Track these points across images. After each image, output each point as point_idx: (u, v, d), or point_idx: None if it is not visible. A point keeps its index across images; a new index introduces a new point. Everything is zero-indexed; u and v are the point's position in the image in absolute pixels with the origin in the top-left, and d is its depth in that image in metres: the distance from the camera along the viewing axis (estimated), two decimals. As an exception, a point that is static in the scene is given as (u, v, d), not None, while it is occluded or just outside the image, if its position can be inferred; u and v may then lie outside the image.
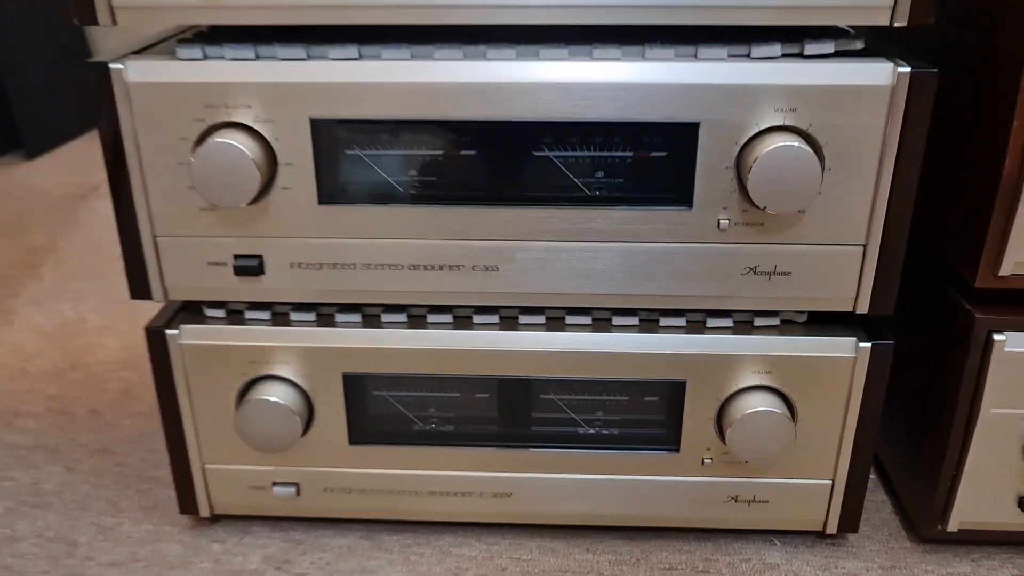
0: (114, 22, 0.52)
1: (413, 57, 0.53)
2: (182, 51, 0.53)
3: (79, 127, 1.71)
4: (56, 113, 1.65)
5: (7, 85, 1.53)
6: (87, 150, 1.63)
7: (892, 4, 0.50)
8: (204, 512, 0.66)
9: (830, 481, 0.62)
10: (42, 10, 1.66)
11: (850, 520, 0.63)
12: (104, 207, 1.33)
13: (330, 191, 0.55)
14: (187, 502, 0.65)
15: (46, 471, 0.74)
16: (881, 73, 0.51)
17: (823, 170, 0.52)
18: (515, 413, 0.61)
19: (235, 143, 0.52)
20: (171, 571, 0.63)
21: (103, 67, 0.53)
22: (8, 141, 1.58)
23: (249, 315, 0.61)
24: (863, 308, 0.57)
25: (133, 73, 0.53)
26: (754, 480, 0.62)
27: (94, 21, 0.52)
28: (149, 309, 0.86)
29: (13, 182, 1.45)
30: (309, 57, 0.53)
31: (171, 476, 0.69)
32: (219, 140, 0.52)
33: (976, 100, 0.56)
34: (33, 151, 1.56)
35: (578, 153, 0.54)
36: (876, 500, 0.70)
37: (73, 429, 0.79)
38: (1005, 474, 0.60)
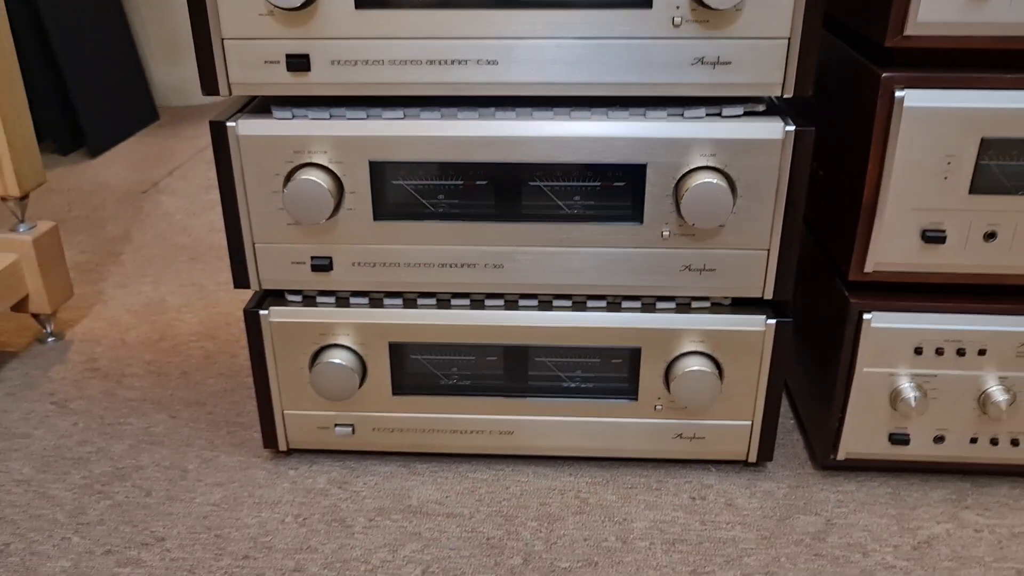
0: (230, 93, 0.73)
1: (443, 117, 0.74)
2: (277, 112, 0.74)
3: (133, 126, 1.91)
4: (114, 114, 1.86)
5: (71, 88, 1.73)
6: (143, 148, 1.84)
7: (782, 81, 0.71)
8: (282, 447, 0.87)
9: (750, 422, 0.83)
10: (98, 16, 1.86)
11: (766, 451, 0.84)
12: (166, 201, 1.54)
13: (382, 211, 0.76)
14: (269, 438, 0.87)
15: (155, 418, 0.95)
16: (775, 129, 0.72)
17: (735, 197, 0.73)
18: (516, 371, 0.83)
19: (315, 178, 0.73)
20: (259, 489, 0.85)
21: (221, 125, 0.74)
22: (73, 141, 1.78)
23: (320, 300, 0.82)
24: (768, 295, 0.78)
25: (243, 128, 0.74)
26: (693, 422, 0.83)
27: (217, 93, 0.73)
28: (215, 291, 1.10)
29: (83, 179, 1.66)
30: (368, 117, 0.74)
31: (251, 422, 0.91)
32: (304, 177, 0.73)
33: (846, 147, 0.76)
34: (95, 150, 1.77)
35: (561, 184, 0.75)
36: (792, 438, 0.91)
37: (170, 386, 1.01)
38: (878, 416, 0.81)
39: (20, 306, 1.05)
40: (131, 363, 1.05)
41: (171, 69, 2.06)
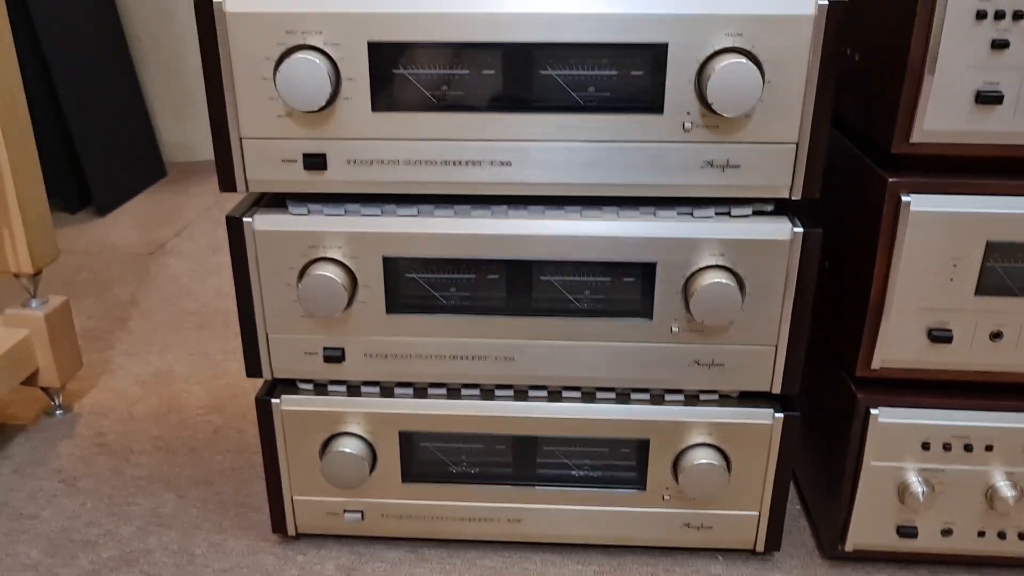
0: (247, 190, 0.74)
1: (456, 215, 0.75)
2: (293, 208, 0.75)
3: (141, 183, 1.93)
4: (121, 171, 1.88)
5: (78, 146, 1.75)
6: (150, 206, 1.85)
7: (790, 184, 0.72)
8: (291, 531, 0.87)
9: (757, 512, 0.83)
10: (107, 73, 1.89)
11: (773, 541, 0.85)
12: (172, 264, 1.55)
13: (394, 304, 0.77)
14: (278, 523, 0.87)
15: (163, 498, 0.95)
16: (783, 230, 0.73)
17: (744, 295, 0.74)
18: (525, 460, 0.83)
19: (329, 274, 0.74)
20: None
21: (238, 221, 0.75)
22: (81, 199, 1.80)
23: (331, 388, 0.82)
24: (777, 389, 0.79)
25: (259, 224, 0.75)
26: (701, 511, 0.84)
27: (234, 190, 0.74)
28: (223, 361, 1.10)
29: (91, 239, 1.67)
30: (383, 213, 0.75)
31: (259, 503, 0.92)
32: (318, 272, 0.74)
33: (853, 245, 0.77)
34: (103, 208, 1.79)
35: (572, 279, 0.76)
36: (799, 525, 0.91)
37: (178, 463, 1.01)
38: (885, 509, 0.81)
39: (30, 380, 1.06)
40: (139, 438, 1.06)
41: (179, 125, 2.08)
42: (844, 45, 0.82)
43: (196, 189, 1.94)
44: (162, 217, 1.77)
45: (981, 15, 0.65)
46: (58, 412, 1.10)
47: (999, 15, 0.65)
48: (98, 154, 1.80)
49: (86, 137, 1.77)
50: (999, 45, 0.66)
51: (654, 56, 0.68)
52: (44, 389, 1.09)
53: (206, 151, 2.10)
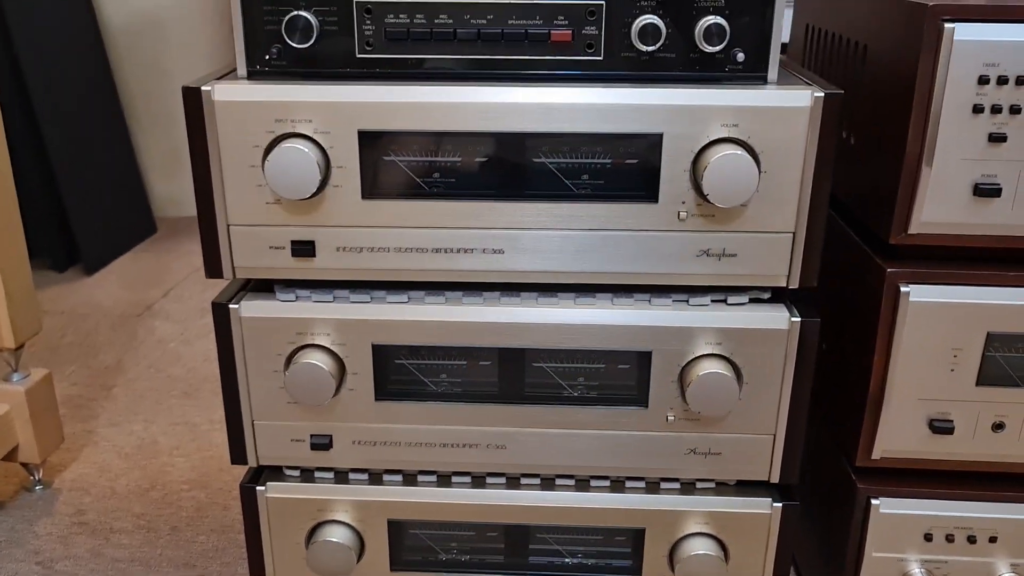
0: (234, 276, 0.73)
1: (447, 301, 0.73)
2: (280, 294, 0.74)
3: (130, 240, 1.92)
4: (111, 228, 1.86)
5: (67, 203, 1.74)
6: (139, 264, 1.84)
7: (787, 273, 0.71)
8: (275, 621, 0.85)
9: (756, 604, 0.81)
10: (98, 129, 1.88)
11: (773, 634, 0.82)
12: (159, 327, 1.53)
13: (384, 391, 0.75)
14: (262, 614, 0.84)
15: (142, 582, 0.93)
16: (780, 319, 0.72)
17: (741, 384, 0.72)
18: (517, 548, 0.80)
19: (317, 362, 0.72)
20: (250, 668, 0.82)
21: (224, 307, 0.73)
22: (68, 257, 1.78)
23: (318, 475, 0.80)
24: (775, 478, 0.77)
25: (246, 310, 0.73)
26: (699, 602, 0.81)
27: (220, 276, 0.72)
28: (208, 432, 1.08)
29: (78, 299, 1.65)
30: (372, 300, 0.73)
31: (244, 588, 0.88)
32: (306, 360, 0.72)
33: (851, 333, 0.76)
34: (91, 267, 1.77)
35: (564, 365, 0.74)
36: (799, 614, 0.89)
37: (160, 544, 0.98)
38: (888, 601, 0.79)
39: (9, 456, 1.03)
40: (120, 516, 1.03)
41: (170, 180, 2.08)
42: (841, 129, 0.81)
43: (186, 247, 1.92)
44: (150, 276, 1.75)
45: (978, 109, 0.65)
46: (37, 488, 1.07)
47: (996, 109, 0.64)
48: (87, 211, 1.79)
49: (75, 194, 1.76)
50: (996, 139, 0.65)
51: (649, 146, 0.68)
52: (24, 464, 1.06)
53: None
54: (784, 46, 0.87)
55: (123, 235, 1.90)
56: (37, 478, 1.07)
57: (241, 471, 0.80)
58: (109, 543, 0.98)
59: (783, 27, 0.67)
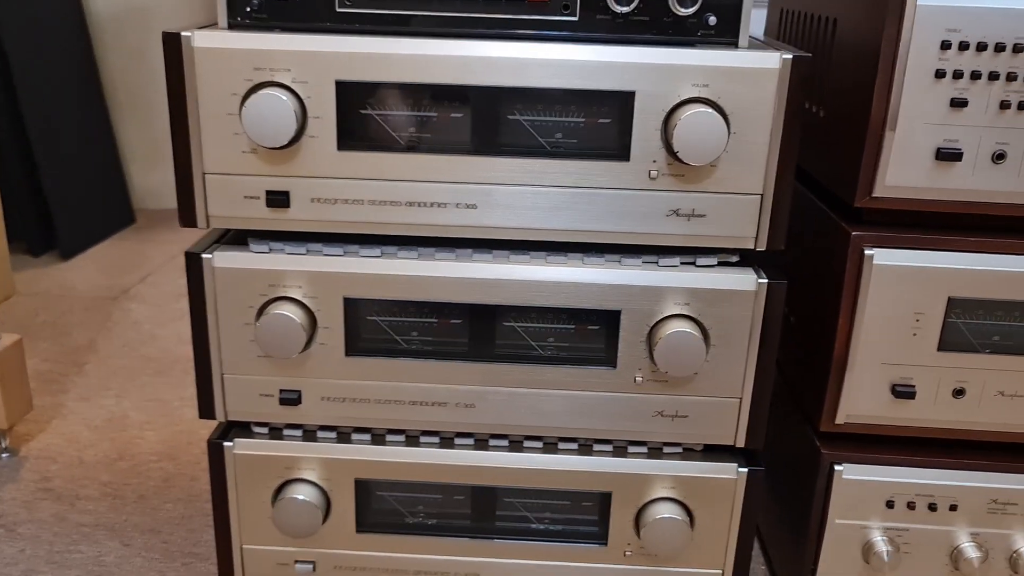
0: (208, 226, 0.73)
1: (420, 257, 0.74)
2: (254, 245, 0.74)
3: (108, 228, 1.91)
4: (89, 216, 1.85)
5: (46, 188, 1.73)
6: (116, 251, 1.83)
7: (755, 235, 0.72)
8: (238, 583, 0.84)
9: (720, 571, 0.81)
10: (80, 117, 1.88)
11: (737, 602, 0.83)
12: (135, 309, 1.53)
13: (354, 347, 0.75)
14: (226, 574, 0.84)
15: (106, 546, 0.92)
16: (748, 281, 0.73)
17: (708, 346, 0.73)
18: (484, 512, 0.81)
19: (288, 313, 0.73)
20: (212, 629, 0.81)
21: (197, 257, 0.73)
22: (45, 242, 1.77)
23: (286, 433, 0.80)
24: (741, 443, 0.78)
25: (219, 260, 0.73)
26: (663, 569, 0.81)
27: (195, 225, 0.73)
28: (179, 408, 1.07)
29: (53, 282, 1.64)
30: (345, 254, 0.74)
31: (208, 552, 0.88)
32: (277, 311, 0.73)
33: (817, 298, 0.77)
34: (68, 252, 1.76)
35: (535, 326, 0.75)
36: (763, 587, 0.90)
37: (126, 511, 0.97)
38: (850, 570, 0.80)
39: (-25, 421, 1.02)
40: (86, 484, 1.02)
41: (150, 172, 2.07)
42: (808, 102, 0.83)
43: (165, 236, 1.92)
44: (127, 263, 1.75)
45: (940, 74, 0.66)
46: (3, 455, 1.06)
47: (957, 75, 0.66)
48: (66, 197, 1.78)
49: (55, 179, 1.76)
50: (958, 104, 0.67)
51: (621, 104, 0.69)
52: (-10, 431, 1.05)
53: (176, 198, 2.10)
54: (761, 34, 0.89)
55: (101, 223, 1.90)
56: (3, 445, 1.06)
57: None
58: (74, 508, 0.97)
59: (753, -9, 0.69)
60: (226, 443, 0.79)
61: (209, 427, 0.81)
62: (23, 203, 1.72)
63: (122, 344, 1.39)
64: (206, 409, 0.78)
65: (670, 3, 0.69)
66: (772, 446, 0.89)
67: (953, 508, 0.77)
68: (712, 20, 0.69)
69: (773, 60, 0.67)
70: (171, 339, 1.41)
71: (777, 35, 0.99)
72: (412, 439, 0.80)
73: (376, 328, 0.75)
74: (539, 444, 0.80)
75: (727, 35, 0.70)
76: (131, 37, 1.97)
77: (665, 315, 0.73)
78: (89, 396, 1.22)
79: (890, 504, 0.77)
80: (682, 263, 0.74)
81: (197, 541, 0.93)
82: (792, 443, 0.84)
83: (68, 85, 1.85)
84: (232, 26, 0.71)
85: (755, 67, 0.68)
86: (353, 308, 0.74)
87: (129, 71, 2.00)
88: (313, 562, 0.83)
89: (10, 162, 1.69)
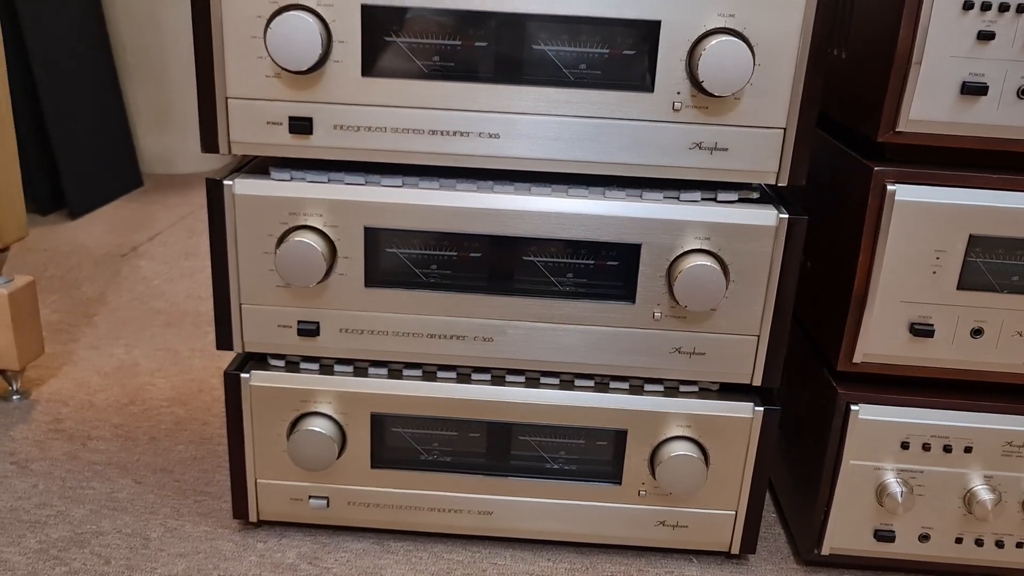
0: (230, 152, 0.73)
1: (441, 187, 0.74)
2: (275, 173, 0.74)
3: (116, 190, 1.91)
4: (97, 177, 1.85)
5: (55, 147, 1.73)
6: (124, 212, 1.83)
7: (777, 170, 0.72)
8: (252, 517, 0.84)
9: (734, 512, 0.82)
10: (90, 79, 1.87)
11: (749, 543, 0.83)
12: (144, 266, 1.52)
13: (373, 278, 0.75)
14: (240, 508, 0.84)
15: (119, 483, 0.92)
16: (769, 216, 0.73)
17: (728, 282, 0.73)
18: (498, 449, 0.81)
19: (309, 241, 0.73)
20: (225, 562, 0.81)
21: (218, 184, 0.73)
22: (53, 201, 1.77)
23: (303, 366, 0.80)
24: (757, 381, 0.78)
25: (239, 188, 0.73)
26: (677, 509, 0.82)
27: (216, 151, 0.73)
28: (189, 358, 1.08)
29: (61, 239, 1.64)
30: (366, 183, 0.74)
31: (221, 491, 0.88)
32: (297, 239, 0.72)
33: (836, 239, 0.77)
34: (76, 211, 1.76)
35: (555, 260, 0.75)
36: (774, 532, 0.89)
37: (137, 451, 0.98)
38: (863, 512, 0.80)
39: (-12, 361, 1.02)
40: (98, 425, 1.02)
41: (159, 137, 2.07)
42: (831, 45, 0.83)
43: (173, 200, 1.91)
44: (136, 223, 1.75)
45: (968, 6, 0.66)
46: (15, 397, 1.06)
47: (985, 7, 0.66)
48: (75, 157, 1.78)
49: (64, 139, 1.75)
50: (984, 36, 0.67)
51: (647, 33, 0.69)
52: (2, 372, 1.05)
53: (185, 164, 2.09)
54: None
55: (109, 185, 1.89)
56: (15, 387, 1.06)
57: (222, 393, 0.79)
58: (86, 448, 0.97)
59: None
60: (243, 375, 0.79)
61: (221, 379, 0.81)
62: (32, 163, 1.72)
63: (132, 298, 1.39)
64: (224, 340, 0.78)
65: (697, -66, 0.68)
66: (786, 394, 0.89)
67: (968, 450, 0.77)
68: (739, -49, 0.69)
69: (800, -9, 0.67)
70: (180, 294, 1.40)
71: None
72: (429, 374, 0.80)
73: (396, 260, 0.75)
74: (555, 381, 0.80)
75: (753, -33, 0.70)
76: (141, 1, 1.97)
77: (685, 249, 0.73)
78: (99, 345, 1.22)
79: (905, 445, 0.77)
80: (703, 198, 0.74)
81: (209, 481, 0.93)
82: (809, 389, 0.84)
83: (78, 48, 1.84)
84: (257, -50, 0.70)
85: (782, -3, 0.67)
86: (373, 238, 0.74)
87: (139, 35, 1.99)
88: (327, 497, 0.83)
89: (20, 122, 1.68)
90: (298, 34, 0.68)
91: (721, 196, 0.74)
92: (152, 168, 2.08)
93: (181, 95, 2.02)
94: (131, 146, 2.00)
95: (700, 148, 0.71)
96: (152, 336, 1.25)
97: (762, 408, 0.78)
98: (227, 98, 0.71)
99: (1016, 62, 0.67)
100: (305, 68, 0.68)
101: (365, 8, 0.69)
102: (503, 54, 0.70)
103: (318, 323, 0.77)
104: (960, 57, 0.67)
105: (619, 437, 0.80)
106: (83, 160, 1.81)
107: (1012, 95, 0.68)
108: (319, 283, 0.74)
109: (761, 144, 0.71)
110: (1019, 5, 0.66)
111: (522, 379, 0.80)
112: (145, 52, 2.00)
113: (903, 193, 0.71)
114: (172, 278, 1.47)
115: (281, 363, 0.80)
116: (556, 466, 0.82)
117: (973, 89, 0.68)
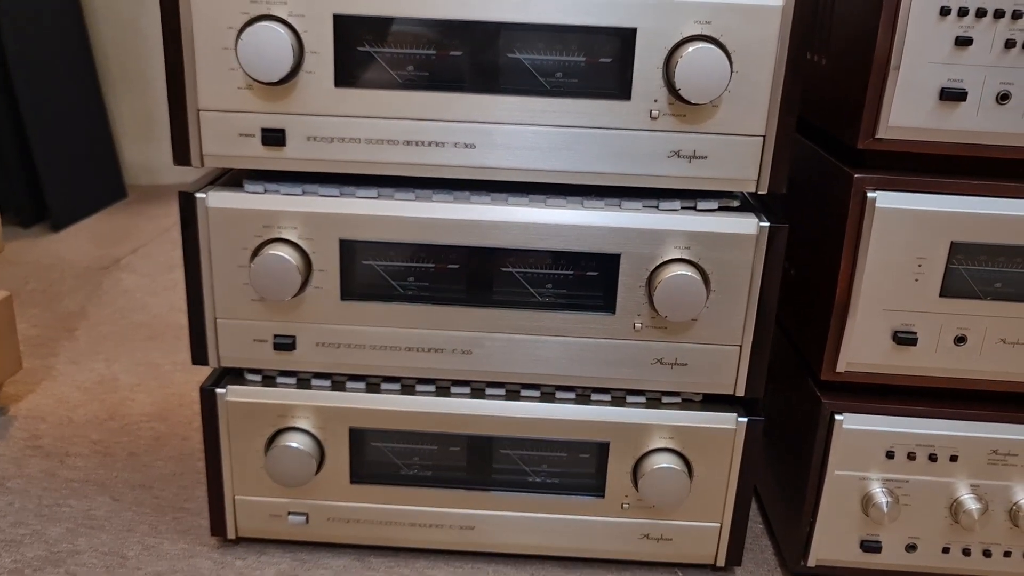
0: (202, 164, 0.72)
1: (417, 198, 0.73)
2: (249, 185, 0.73)
3: (99, 202, 1.89)
4: (80, 188, 1.84)
5: (37, 159, 1.71)
6: (107, 224, 1.81)
7: (756, 178, 0.71)
8: (231, 534, 0.83)
9: (719, 524, 0.81)
10: (72, 89, 1.86)
11: (735, 555, 0.82)
12: (126, 278, 1.51)
13: (350, 291, 0.74)
14: (218, 525, 0.82)
15: (96, 501, 0.90)
16: (749, 224, 0.72)
17: (709, 291, 0.72)
18: (480, 463, 0.80)
19: (283, 254, 0.71)
20: (203, 581, 0.80)
21: (191, 197, 0.72)
22: (35, 214, 1.75)
23: (280, 380, 0.79)
24: (740, 392, 0.77)
25: (213, 200, 0.72)
26: (661, 521, 0.81)
27: (188, 164, 0.71)
28: (171, 372, 1.06)
29: (43, 252, 1.62)
30: (341, 195, 0.73)
31: (199, 508, 0.87)
32: (272, 252, 0.71)
33: (818, 246, 0.77)
34: (58, 224, 1.74)
35: (534, 270, 0.74)
36: (761, 543, 0.88)
37: (116, 468, 0.96)
38: (849, 522, 0.79)
39: (-37, 377, 1.01)
40: (76, 442, 1.00)
41: (143, 147, 2.05)
42: (810, 52, 0.82)
43: (157, 211, 1.90)
44: (119, 235, 1.73)
45: (945, 11, 0.66)
46: (-8, 414, 1.05)
47: (962, 12, 0.65)
48: (57, 169, 1.76)
49: (46, 150, 1.74)
50: (962, 42, 0.66)
51: (623, 41, 0.68)
52: (-22, 389, 1.04)
53: (170, 174, 2.08)
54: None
55: (92, 197, 1.88)
56: (-8, 404, 1.04)
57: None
58: (64, 465, 0.96)
59: (758, -73, 0.68)
60: (219, 390, 0.78)
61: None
62: (14, 175, 1.70)
63: (113, 311, 1.37)
64: (199, 355, 0.77)
65: (673, -60, 0.68)
66: (770, 405, 0.89)
67: (953, 459, 0.76)
68: (715, -42, 0.69)
69: (777, -3, 0.67)
70: (163, 307, 1.39)
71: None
72: (407, 388, 0.79)
73: (372, 272, 0.74)
74: (536, 393, 0.79)
75: (730, -26, 0.69)
76: (124, 10, 1.95)
77: (665, 259, 0.72)
78: (79, 360, 1.21)
79: (890, 455, 0.76)
80: (683, 207, 0.73)
81: (188, 497, 0.91)
82: (793, 398, 0.83)
83: (60, 57, 1.83)
84: (228, -40, 0.70)
85: (759, 4, 0.67)
86: (349, 250, 0.73)
87: (122, 45, 1.98)
88: (306, 514, 0.82)
89: (1, 134, 1.67)
90: (269, 45, 0.67)
91: (701, 205, 0.73)
92: (136, 179, 2.07)
93: (165, 105, 2.00)
94: (114, 157, 1.98)
95: (679, 156, 0.71)
96: (133, 350, 1.24)
97: (746, 419, 0.77)
98: (199, 110, 0.70)
99: (994, 67, 0.67)
100: (277, 79, 0.67)
101: (337, 18, 0.68)
102: (478, 63, 0.69)
103: (294, 337, 0.76)
104: (938, 63, 0.67)
105: (601, 449, 0.79)
106: (65, 172, 1.79)
107: (991, 100, 0.67)
108: (294, 297, 0.73)
109: (740, 152, 0.70)
110: (996, 10, 0.65)
111: (502, 392, 0.79)
112: (128, 62, 1.98)
113: (884, 200, 0.70)
114: (155, 291, 1.46)
115: (258, 378, 0.79)
116: (538, 479, 0.80)
117: (952, 95, 0.67)
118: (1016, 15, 0.65)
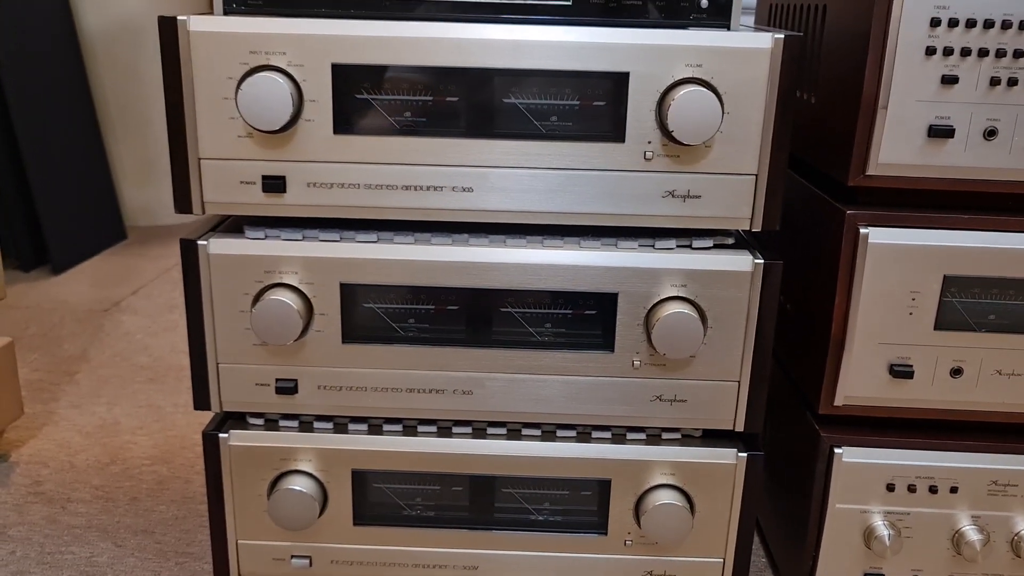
0: (204, 212, 0.73)
1: (416, 241, 0.74)
2: (250, 231, 0.74)
3: (100, 244, 1.90)
4: (80, 231, 1.85)
5: (38, 203, 1.73)
6: (108, 266, 1.82)
7: (750, 216, 0.72)
8: (234, 579, 0.83)
9: (722, 559, 0.81)
10: (72, 133, 1.88)
11: (738, 591, 0.82)
12: (127, 320, 1.52)
13: (351, 334, 0.75)
14: (221, 570, 0.82)
15: (98, 547, 0.90)
16: (744, 262, 0.73)
17: (706, 328, 0.73)
18: (482, 502, 0.80)
19: (284, 299, 0.72)
20: (206, 627, 0.80)
21: (192, 244, 0.73)
22: (36, 257, 1.77)
23: (282, 423, 0.79)
24: (740, 427, 0.77)
25: (214, 247, 0.73)
26: (664, 558, 0.81)
27: (190, 211, 0.73)
28: (172, 414, 1.06)
29: (43, 296, 1.63)
30: (341, 239, 0.74)
31: (203, 552, 0.87)
32: (273, 297, 0.72)
33: (813, 282, 0.78)
34: (59, 267, 1.75)
35: (532, 311, 0.75)
36: (764, 578, 0.89)
37: (118, 513, 0.96)
38: (852, 555, 0.79)
39: (-35, 425, 1.01)
40: (78, 487, 1.01)
41: (142, 189, 2.07)
42: (800, 90, 0.84)
43: (157, 252, 1.91)
44: (119, 276, 1.74)
45: (930, 51, 0.67)
46: (-6, 460, 1.05)
47: (948, 51, 0.67)
48: (58, 212, 1.78)
49: (46, 193, 1.75)
50: (948, 80, 0.67)
51: (616, 85, 0.69)
52: (-20, 436, 1.04)
53: (169, 216, 2.09)
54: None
55: (92, 239, 1.89)
56: (-6, 450, 1.04)
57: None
58: (66, 511, 0.96)
59: (745, -28, 0.69)
60: (221, 434, 0.78)
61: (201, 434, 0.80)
62: (14, 219, 1.71)
63: (114, 354, 1.38)
64: (201, 400, 0.78)
65: (662, -14, 0.69)
66: (770, 438, 0.89)
67: (954, 490, 0.76)
68: (704, 3, 0.70)
69: (765, 40, 0.68)
70: (164, 348, 1.40)
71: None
72: (409, 429, 0.80)
73: (373, 315, 0.75)
74: (537, 432, 0.79)
75: (719, 18, 0.71)
76: (123, 54, 1.98)
77: (662, 297, 0.73)
78: (80, 404, 1.21)
79: (891, 487, 0.77)
80: (678, 245, 0.74)
81: (191, 541, 0.91)
82: (790, 431, 0.83)
83: (60, 101, 1.85)
84: (228, 12, 0.71)
85: (748, 47, 0.68)
86: (350, 294, 0.74)
87: (121, 88, 2.00)
88: (309, 557, 0.82)
89: (1, 177, 1.69)
90: (269, 94, 0.68)
91: (696, 243, 0.74)
92: (136, 220, 2.08)
93: (164, 147, 2.01)
94: (114, 199, 2.00)
95: (673, 196, 0.72)
96: (134, 392, 1.24)
97: (745, 454, 0.77)
98: (200, 159, 0.71)
99: (981, 104, 0.68)
100: (277, 128, 0.69)
101: (336, 67, 0.69)
102: (474, 109, 0.70)
103: (296, 380, 0.77)
104: (926, 101, 0.68)
105: (603, 487, 0.79)
106: (66, 214, 1.80)
107: (979, 136, 0.69)
108: (296, 340, 0.74)
109: (734, 190, 0.71)
110: (980, 49, 0.67)
111: (503, 431, 0.79)
112: (128, 105, 2.01)
113: (876, 236, 0.71)
114: (155, 332, 1.47)
115: (260, 421, 0.80)
116: (541, 518, 0.81)
117: (940, 132, 0.68)
118: (1000, 53, 0.67)
